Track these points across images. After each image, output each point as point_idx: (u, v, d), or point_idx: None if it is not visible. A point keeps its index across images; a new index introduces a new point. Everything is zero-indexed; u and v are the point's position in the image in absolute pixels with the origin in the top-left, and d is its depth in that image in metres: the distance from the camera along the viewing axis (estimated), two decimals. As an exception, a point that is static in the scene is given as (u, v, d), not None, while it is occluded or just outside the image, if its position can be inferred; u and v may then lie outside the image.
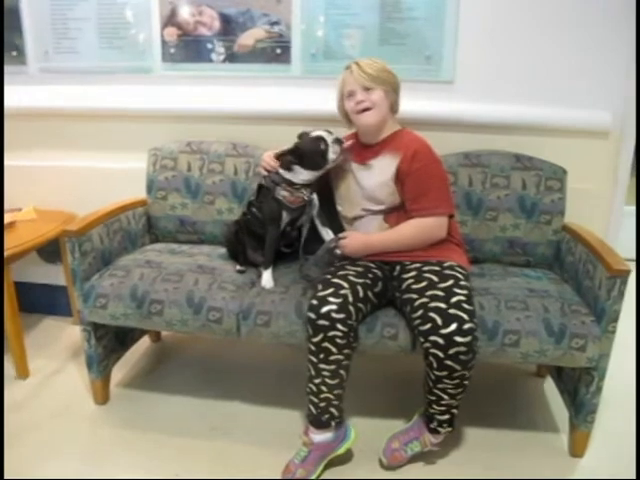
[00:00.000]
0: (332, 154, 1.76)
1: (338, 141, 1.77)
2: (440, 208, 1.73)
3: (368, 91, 1.71)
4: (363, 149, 1.83)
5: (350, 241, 1.76)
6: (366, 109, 1.73)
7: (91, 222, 1.90)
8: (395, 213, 1.77)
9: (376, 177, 1.77)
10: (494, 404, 2.03)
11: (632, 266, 1.62)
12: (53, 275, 2.55)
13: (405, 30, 2.10)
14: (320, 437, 1.67)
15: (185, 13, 2.22)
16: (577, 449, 1.78)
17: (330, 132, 1.79)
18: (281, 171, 1.82)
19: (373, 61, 1.74)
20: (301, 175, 1.80)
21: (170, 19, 2.23)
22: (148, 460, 1.74)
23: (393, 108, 1.79)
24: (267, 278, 1.83)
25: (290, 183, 1.81)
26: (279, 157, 1.81)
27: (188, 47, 2.25)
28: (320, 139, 1.76)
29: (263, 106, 2.23)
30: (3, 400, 1.98)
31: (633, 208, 2.75)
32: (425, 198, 1.72)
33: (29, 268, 2.49)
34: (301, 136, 1.82)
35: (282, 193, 1.81)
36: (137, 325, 1.85)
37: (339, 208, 1.92)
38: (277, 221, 1.84)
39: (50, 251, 2.42)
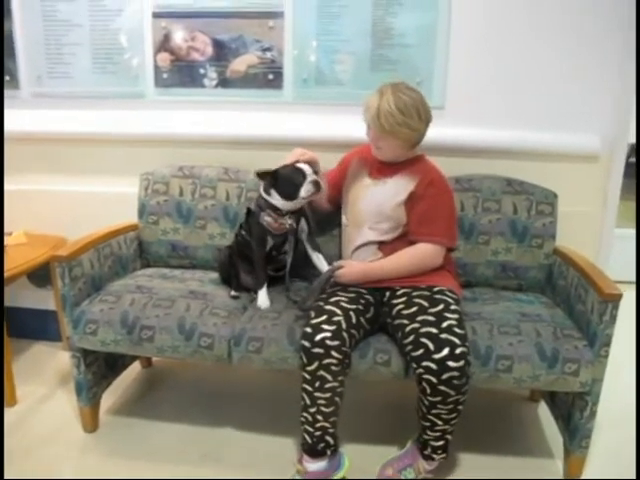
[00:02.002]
0: (304, 192, 1.76)
1: (316, 184, 1.76)
2: (444, 238, 1.75)
3: (380, 134, 1.72)
4: (380, 164, 1.82)
5: (347, 270, 1.75)
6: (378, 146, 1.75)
7: (82, 247, 1.89)
8: (390, 245, 1.77)
9: (388, 194, 1.77)
10: (487, 429, 2.02)
11: (623, 288, 1.62)
12: (43, 300, 2.52)
13: (396, 56, 2.13)
14: (314, 466, 1.65)
15: (178, 39, 2.23)
16: (572, 474, 1.77)
17: (316, 172, 1.79)
18: (264, 194, 1.82)
19: (398, 109, 1.65)
20: (275, 201, 1.80)
21: (163, 44, 2.25)
22: (137, 490, 1.71)
23: (411, 147, 1.77)
24: (262, 298, 1.83)
25: (274, 209, 1.81)
26: (260, 174, 1.81)
27: (181, 72, 2.27)
28: (299, 172, 1.76)
29: (255, 131, 2.24)
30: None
31: (623, 230, 2.77)
32: (433, 225, 1.73)
33: (18, 292, 2.47)
34: (286, 166, 1.81)
35: (266, 219, 1.82)
36: (128, 351, 1.83)
37: (343, 219, 1.91)
38: (263, 242, 1.85)
39: (40, 275, 2.39)
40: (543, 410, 2.07)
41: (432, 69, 2.12)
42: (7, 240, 2.28)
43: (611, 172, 2.15)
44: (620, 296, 1.60)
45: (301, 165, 1.78)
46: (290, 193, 1.77)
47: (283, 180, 1.78)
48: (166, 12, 2.22)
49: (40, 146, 2.40)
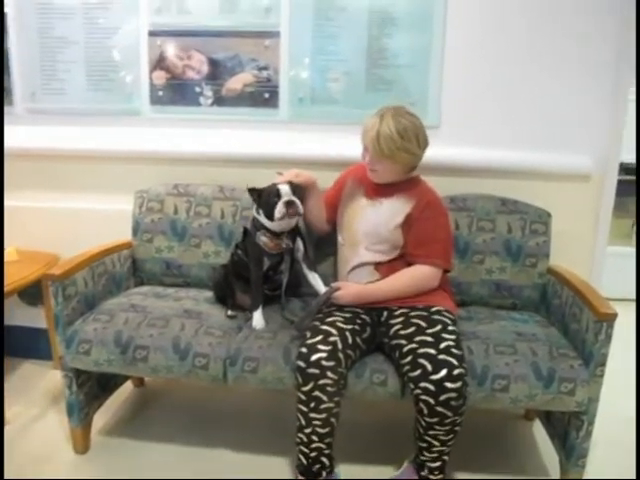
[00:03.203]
0: (277, 213, 1.74)
1: (289, 204, 1.73)
2: (440, 260, 1.75)
3: (378, 158, 1.72)
4: (376, 184, 1.82)
5: (345, 292, 1.74)
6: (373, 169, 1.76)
7: (75, 265, 1.87)
8: (387, 265, 1.77)
9: (384, 216, 1.78)
10: (483, 448, 2.01)
11: (616, 305, 1.64)
12: (33, 318, 2.49)
13: (391, 76, 2.14)
14: (310, 488, 1.63)
15: (174, 57, 2.24)
16: (569, 494, 1.77)
17: (297, 190, 1.77)
18: (255, 214, 1.83)
19: (398, 133, 1.66)
20: (263, 220, 1.80)
21: (159, 62, 2.25)
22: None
23: (407, 171, 1.78)
24: (257, 319, 1.82)
25: (267, 229, 1.81)
26: (250, 190, 1.82)
27: (176, 90, 2.27)
28: (276, 193, 1.75)
29: (251, 150, 2.24)
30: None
31: (615, 248, 2.80)
32: (430, 246, 1.74)
33: (10, 310, 2.44)
34: (270, 185, 1.80)
35: (262, 239, 1.82)
36: (121, 371, 1.81)
37: (339, 238, 1.91)
38: (260, 263, 1.84)
39: (31, 293, 2.37)
40: (538, 429, 2.07)
41: (427, 89, 2.14)
42: (-2, 257, 2.27)
43: (602, 192, 2.17)
44: (615, 315, 1.61)
45: (280, 185, 1.76)
46: (268, 213, 1.77)
47: (262, 199, 1.79)
48: (162, 30, 2.23)
49: (33, 162, 2.39)
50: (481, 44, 2.10)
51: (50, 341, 2.40)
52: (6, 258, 2.28)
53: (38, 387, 2.35)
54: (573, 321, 1.78)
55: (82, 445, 1.93)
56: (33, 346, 2.54)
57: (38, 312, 2.45)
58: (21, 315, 2.52)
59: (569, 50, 2.06)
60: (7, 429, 2.05)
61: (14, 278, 2.09)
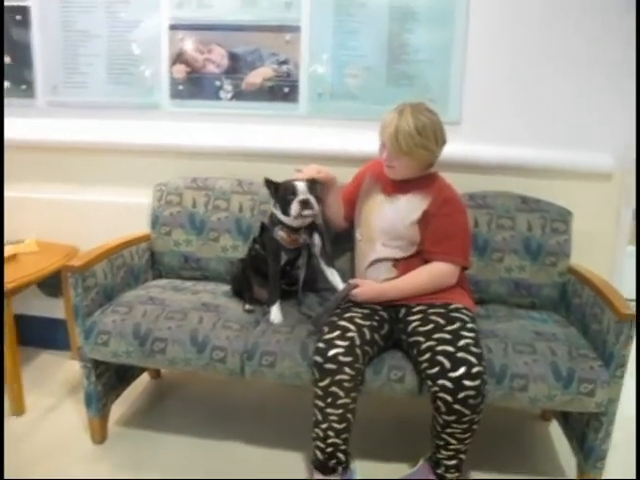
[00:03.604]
0: (292, 211, 1.73)
1: (304, 203, 1.72)
2: (459, 257, 1.74)
3: (396, 154, 1.71)
4: (393, 181, 1.81)
5: (363, 290, 1.73)
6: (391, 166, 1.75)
7: (95, 257, 1.89)
8: (404, 262, 1.77)
9: (402, 213, 1.77)
10: (499, 448, 1.99)
11: (632, 306, 1.62)
12: (53, 308, 2.51)
13: (411, 72, 2.13)
14: (326, 482, 1.63)
15: (194, 51, 2.25)
16: (586, 495, 1.75)
17: (313, 188, 1.75)
18: (272, 208, 1.83)
19: (417, 130, 1.65)
20: (280, 215, 1.79)
21: (179, 56, 2.26)
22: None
23: (424, 168, 1.77)
24: (275, 313, 1.82)
25: (284, 224, 1.80)
26: (267, 181, 1.81)
27: (196, 84, 2.28)
28: (292, 190, 1.73)
29: (269, 144, 2.24)
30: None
31: (634, 248, 2.76)
32: (448, 243, 1.73)
33: (28, 301, 2.46)
34: (288, 181, 1.78)
35: (280, 233, 1.81)
36: (139, 363, 1.83)
37: (357, 234, 1.91)
38: (277, 257, 1.84)
39: (50, 284, 2.39)
40: (555, 429, 2.05)
41: (448, 85, 2.12)
42: (19, 248, 2.29)
43: (624, 190, 2.14)
44: (635, 316, 1.59)
45: (297, 183, 1.74)
46: (285, 209, 1.76)
47: (279, 194, 1.78)
48: (183, 24, 2.24)
49: (54, 155, 2.41)
50: (503, 40, 2.08)
51: (69, 332, 2.42)
52: (27, 249, 2.30)
53: (56, 377, 2.37)
54: (594, 321, 1.76)
55: (100, 435, 1.95)
56: (52, 336, 2.57)
57: (57, 303, 2.47)
58: (40, 306, 2.54)
59: (591, 49, 2.04)
60: (25, 418, 2.08)
61: (34, 269, 2.12)
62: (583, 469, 1.73)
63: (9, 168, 2.44)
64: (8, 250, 2.23)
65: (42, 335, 2.59)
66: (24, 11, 2.31)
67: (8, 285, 1.97)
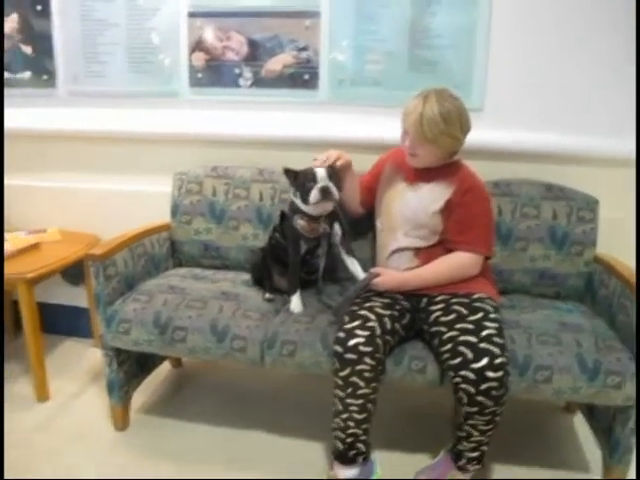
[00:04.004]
0: (312, 198, 1.70)
1: (324, 190, 1.69)
2: (482, 247, 1.71)
3: (420, 142, 1.67)
4: (415, 170, 1.77)
5: (384, 280, 1.70)
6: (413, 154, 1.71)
7: (116, 246, 1.90)
8: (426, 251, 1.74)
9: (424, 202, 1.73)
10: (522, 440, 1.96)
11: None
12: (75, 297, 2.54)
13: (434, 57, 2.08)
14: (346, 473, 1.62)
15: (213, 38, 2.23)
16: (611, 490, 1.71)
17: (332, 176, 1.72)
18: (292, 197, 1.81)
19: (442, 116, 1.60)
20: (299, 203, 1.77)
21: (198, 44, 2.24)
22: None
23: (449, 156, 1.74)
24: (296, 302, 1.80)
25: (304, 212, 1.78)
26: (286, 170, 1.79)
27: (215, 72, 2.26)
28: (312, 178, 1.70)
29: (290, 132, 2.22)
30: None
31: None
32: (471, 232, 1.69)
33: (51, 289, 2.49)
34: (307, 169, 1.76)
35: (299, 222, 1.79)
36: (160, 352, 1.83)
37: (378, 223, 1.88)
38: (297, 246, 1.82)
39: (73, 273, 2.41)
40: (580, 422, 2.02)
41: (471, 70, 2.07)
42: (41, 237, 2.31)
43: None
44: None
45: (317, 169, 1.72)
46: (304, 197, 1.73)
47: (298, 182, 1.75)
48: (201, 12, 2.22)
49: (76, 144, 2.42)
50: (529, 23, 2.02)
51: (91, 320, 2.45)
52: (49, 238, 2.33)
53: (80, 364, 2.40)
54: (621, 312, 1.71)
55: (122, 422, 1.97)
56: (75, 324, 2.60)
57: (80, 292, 2.50)
58: (63, 294, 2.57)
59: (619, 34, 1.97)
60: (49, 404, 2.11)
61: (56, 258, 2.14)
62: (608, 463, 1.69)
63: (31, 158, 2.47)
64: (31, 239, 2.26)
65: (66, 323, 2.62)
66: (44, 1, 2.31)
67: (31, 274, 1.99)
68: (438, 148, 1.67)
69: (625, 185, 2.08)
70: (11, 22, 2.35)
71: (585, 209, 1.96)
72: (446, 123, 1.62)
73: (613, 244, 1.99)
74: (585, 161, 2.08)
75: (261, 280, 1.95)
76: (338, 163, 1.78)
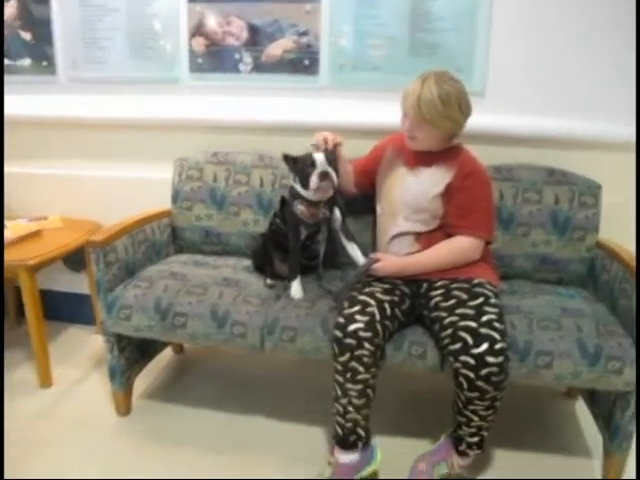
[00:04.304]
0: (312, 183, 1.70)
1: (324, 175, 1.69)
2: (483, 231, 1.70)
3: (418, 124, 1.66)
4: (416, 153, 1.76)
5: (385, 265, 1.69)
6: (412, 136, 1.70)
7: (116, 233, 1.90)
8: (427, 236, 1.73)
9: (424, 186, 1.72)
10: (523, 425, 1.97)
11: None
12: (77, 284, 2.55)
13: (435, 41, 2.06)
14: (346, 458, 1.62)
15: (213, 23, 2.21)
16: (611, 475, 1.71)
17: (330, 161, 1.71)
18: (292, 182, 1.81)
19: (440, 98, 1.58)
20: (299, 189, 1.77)
21: (198, 29, 2.23)
22: (168, 474, 1.72)
23: (448, 139, 1.72)
24: (296, 288, 1.80)
25: (304, 198, 1.78)
26: (285, 156, 1.78)
27: (216, 57, 2.25)
28: (311, 163, 1.70)
29: (290, 117, 2.20)
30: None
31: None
32: (472, 217, 1.68)
33: (53, 276, 2.50)
34: (306, 154, 1.75)
35: (299, 208, 1.78)
36: (160, 337, 1.84)
37: (378, 207, 1.87)
38: (297, 232, 1.82)
39: (75, 260, 2.41)
40: (581, 407, 2.01)
41: (473, 54, 2.05)
42: (43, 224, 2.31)
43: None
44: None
45: (316, 155, 1.71)
46: (304, 182, 1.73)
47: (298, 168, 1.75)
48: (201, -4, 2.20)
49: (76, 131, 2.41)
50: (531, 6, 1.99)
51: (93, 307, 2.46)
52: (51, 225, 2.33)
53: (82, 351, 2.41)
54: (623, 297, 1.70)
55: (124, 407, 1.98)
56: (77, 311, 2.61)
57: (82, 278, 2.50)
58: (65, 281, 2.58)
59: (622, 19, 1.94)
60: (52, 390, 2.12)
61: (58, 245, 2.15)
62: (609, 449, 1.69)
63: (32, 145, 2.46)
64: (33, 226, 2.26)
65: (68, 310, 2.63)
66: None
67: (32, 260, 2.00)
68: (437, 130, 1.65)
69: (627, 170, 2.06)
70: (10, 8, 2.34)
71: (587, 194, 1.94)
72: (444, 105, 1.60)
73: (614, 229, 1.97)
74: (587, 146, 2.06)
75: (262, 266, 1.94)
76: (337, 141, 1.77)
